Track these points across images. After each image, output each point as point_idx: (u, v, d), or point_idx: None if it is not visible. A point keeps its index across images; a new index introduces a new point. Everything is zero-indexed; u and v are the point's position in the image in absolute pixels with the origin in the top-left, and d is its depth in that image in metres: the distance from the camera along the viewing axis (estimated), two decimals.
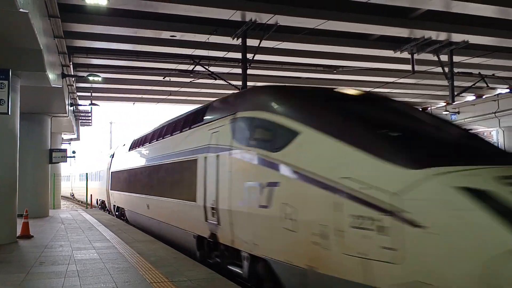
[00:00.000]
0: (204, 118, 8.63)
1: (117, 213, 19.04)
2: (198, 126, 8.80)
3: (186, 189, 8.78)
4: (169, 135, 11.07)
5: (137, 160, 14.69)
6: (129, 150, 16.35)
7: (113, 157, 20.45)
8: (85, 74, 17.74)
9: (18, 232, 11.62)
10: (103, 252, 9.00)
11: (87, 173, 30.15)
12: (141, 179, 13.30)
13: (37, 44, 9.32)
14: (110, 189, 19.72)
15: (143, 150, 14.06)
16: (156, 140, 12.36)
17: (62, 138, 30.70)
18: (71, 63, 16.57)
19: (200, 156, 8.13)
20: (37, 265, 7.65)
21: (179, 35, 15.58)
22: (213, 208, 7.35)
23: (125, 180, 16.03)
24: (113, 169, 19.32)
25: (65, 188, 40.36)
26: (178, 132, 10.28)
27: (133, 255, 8.68)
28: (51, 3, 10.27)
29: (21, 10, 7.31)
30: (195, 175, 8.30)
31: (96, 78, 16.44)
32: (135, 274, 6.82)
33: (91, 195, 30.01)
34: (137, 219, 14.44)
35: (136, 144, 15.42)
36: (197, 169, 8.25)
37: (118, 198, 17.90)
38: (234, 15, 13.49)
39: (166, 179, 10.52)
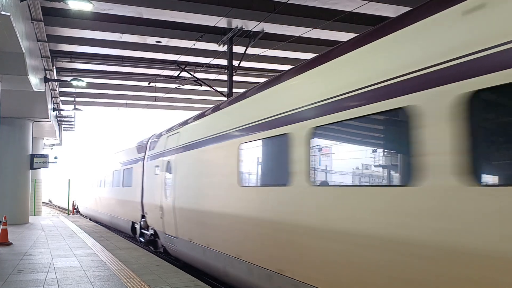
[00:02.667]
0: None
1: None
2: None
3: None
4: None
5: None
6: None
7: None
8: (68, 78, 17.53)
9: None
10: (84, 260, 8.84)
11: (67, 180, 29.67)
12: None
13: (19, 47, 9.18)
14: None
15: None
16: None
17: (44, 143, 30.21)
18: (54, 67, 16.36)
19: None
20: (15, 273, 7.46)
21: (164, 41, 15.53)
22: None
23: None
24: None
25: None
26: None
27: (115, 262, 8.55)
28: (34, 7, 10.15)
29: (2, 13, 7.20)
30: None
31: (80, 83, 16.25)
32: (117, 282, 6.71)
33: (73, 201, 29.53)
34: None
35: None
36: None
37: None
38: (220, 22, 13.53)
39: None
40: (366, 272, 3.84)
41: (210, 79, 20.17)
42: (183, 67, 17.31)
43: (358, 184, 4.12)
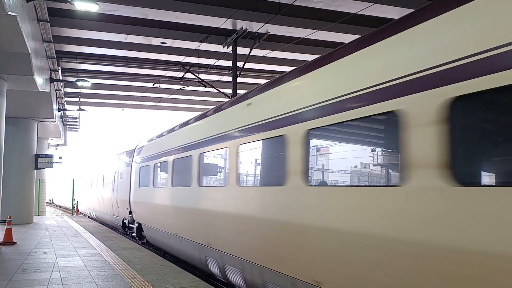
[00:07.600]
0: None
1: None
2: None
3: None
4: None
5: None
6: None
7: None
8: (73, 79, 17.60)
9: (1, 239, 11.41)
10: (88, 260, 8.87)
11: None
12: None
13: (25, 48, 9.24)
14: None
15: None
16: None
17: (49, 143, 30.34)
18: (59, 67, 16.44)
19: None
20: (19, 273, 7.49)
21: (169, 42, 15.58)
22: None
23: None
24: None
25: None
26: None
27: (119, 262, 8.57)
28: (41, 7, 10.21)
29: (9, 13, 7.25)
30: None
31: (85, 84, 16.31)
32: (121, 282, 6.72)
33: (77, 201, 29.64)
34: None
35: None
36: None
37: None
38: (225, 23, 13.55)
39: None
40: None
41: (214, 81, 20.20)
42: (187, 68, 17.36)
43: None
